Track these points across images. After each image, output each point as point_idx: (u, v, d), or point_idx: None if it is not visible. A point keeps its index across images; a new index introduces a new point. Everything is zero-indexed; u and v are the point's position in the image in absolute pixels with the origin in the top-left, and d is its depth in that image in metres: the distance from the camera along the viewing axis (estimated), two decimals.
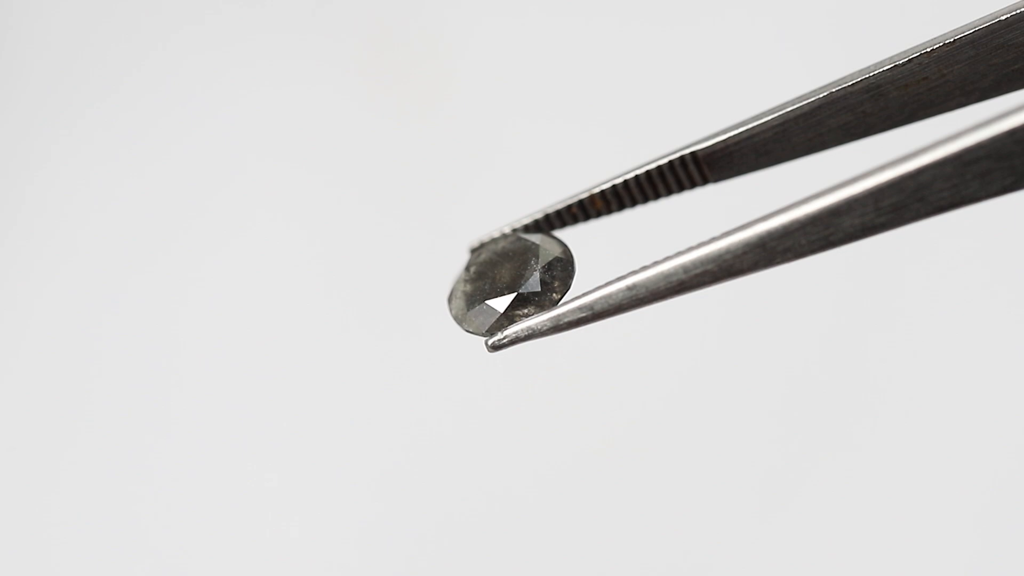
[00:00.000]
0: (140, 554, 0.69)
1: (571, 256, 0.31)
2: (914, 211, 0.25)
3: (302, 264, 0.73)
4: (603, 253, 0.33)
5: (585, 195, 0.32)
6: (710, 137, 0.32)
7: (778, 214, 0.26)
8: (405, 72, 0.76)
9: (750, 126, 0.31)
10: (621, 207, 0.32)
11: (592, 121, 0.73)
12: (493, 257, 0.31)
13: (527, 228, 0.33)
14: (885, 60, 0.30)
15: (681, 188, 0.32)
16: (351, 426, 0.70)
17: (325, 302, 0.72)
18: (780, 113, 0.31)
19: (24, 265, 0.75)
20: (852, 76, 0.31)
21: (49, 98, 0.77)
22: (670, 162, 0.31)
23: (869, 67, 0.31)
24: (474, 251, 0.32)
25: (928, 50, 0.30)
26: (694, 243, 0.27)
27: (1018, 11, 0.29)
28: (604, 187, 0.32)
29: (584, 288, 0.29)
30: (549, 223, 0.32)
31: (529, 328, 0.29)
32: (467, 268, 0.32)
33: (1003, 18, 0.30)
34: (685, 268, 0.27)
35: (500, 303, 0.30)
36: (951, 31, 0.30)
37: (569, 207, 0.32)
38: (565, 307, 0.29)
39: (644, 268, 0.28)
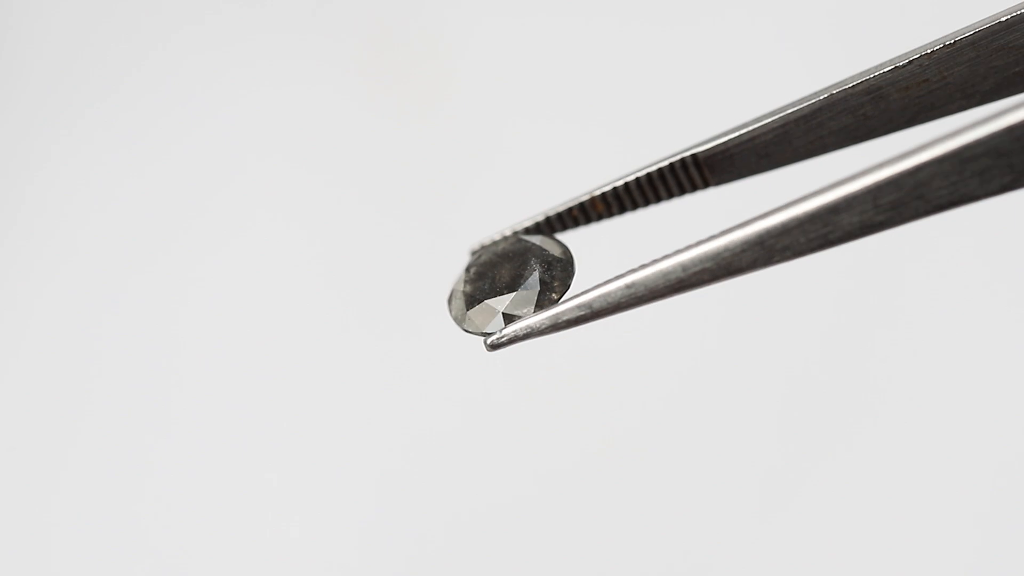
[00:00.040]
0: (140, 554, 0.69)
1: (571, 257, 0.31)
2: (913, 209, 0.25)
3: (302, 264, 0.73)
4: (604, 256, 0.33)
5: (586, 198, 0.32)
6: (711, 139, 0.32)
7: (777, 212, 0.26)
8: (405, 72, 0.76)
9: (750, 128, 0.31)
10: (622, 210, 0.32)
11: (592, 121, 0.73)
12: (493, 258, 0.32)
13: (528, 230, 0.33)
14: (885, 62, 0.30)
15: (682, 191, 0.32)
16: (351, 426, 0.70)
17: (325, 302, 0.72)
18: (780, 115, 0.31)
19: (24, 265, 0.75)
20: (852, 78, 0.31)
21: (49, 98, 0.77)
22: (671, 164, 0.31)
23: (869, 69, 0.31)
24: (474, 253, 0.32)
25: (928, 52, 0.30)
26: (693, 242, 0.27)
27: (1017, 12, 0.29)
28: (605, 189, 0.32)
29: (583, 288, 0.29)
30: (550, 226, 0.33)
31: (528, 327, 0.29)
32: (467, 269, 0.32)
33: (1003, 19, 0.30)
34: (684, 266, 0.27)
35: (499, 303, 0.31)
36: (951, 33, 0.30)
37: (570, 210, 0.32)
38: (564, 306, 0.29)
39: (643, 266, 0.28)
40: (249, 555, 0.69)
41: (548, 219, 0.32)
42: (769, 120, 0.31)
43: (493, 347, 0.30)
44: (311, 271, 0.73)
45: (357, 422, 0.70)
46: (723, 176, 0.31)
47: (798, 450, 0.67)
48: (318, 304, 0.72)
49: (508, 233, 0.32)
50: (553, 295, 0.30)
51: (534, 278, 0.31)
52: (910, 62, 0.30)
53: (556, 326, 0.29)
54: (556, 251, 0.31)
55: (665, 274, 0.27)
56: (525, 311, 0.30)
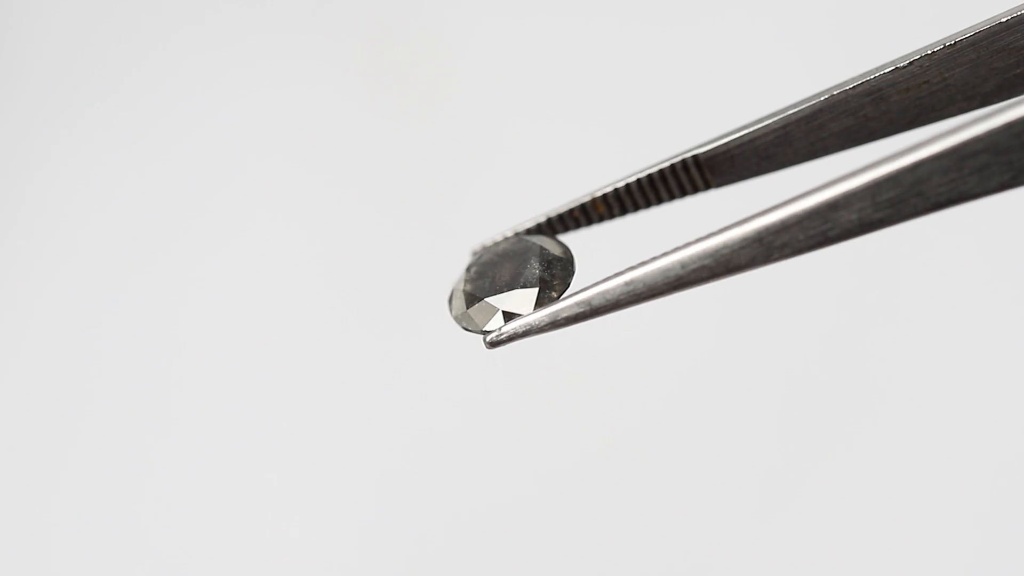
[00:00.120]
0: (140, 554, 0.69)
1: (571, 256, 0.31)
2: (912, 206, 0.25)
3: (302, 264, 0.73)
4: (605, 257, 0.33)
5: (587, 199, 0.32)
6: (711, 140, 0.32)
7: (775, 209, 0.26)
8: (405, 72, 0.76)
9: (751, 129, 0.31)
10: (623, 211, 0.32)
11: (592, 121, 0.73)
12: (494, 258, 0.32)
13: (529, 231, 0.33)
14: (886, 63, 0.30)
15: (683, 193, 0.32)
16: (351, 426, 0.70)
17: (325, 302, 0.72)
18: (781, 116, 0.31)
19: (24, 265, 0.75)
20: (853, 79, 0.31)
21: (49, 98, 0.77)
22: (672, 166, 0.31)
23: (870, 70, 0.31)
24: (475, 253, 0.32)
25: (929, 52, 0.30)
26: (692, 239, 0.27)
27: (1018, 13, 0.29)
28: (606, 191, 0.32)
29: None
30: (551, 227, 0.33)
31: (527, 324, 0.29)
32: (467, 269, 0.32)
33: (1003, 20, 0.30)
34: (683, 263, 0.27)
35: (499, 301, 0.31)
36: (952, 34, 0.30)
37: (571, 211, 0.32)
38: (562, 303, 0.29)
39: (642, 264, 0.28)
40: (249, 555, 0.69)
41: (549, 220, 0.32)
42: (770, 121, 0.31)
43: (492, 345, 0.30)
44: (311, 271, 0.73)
45: (357, 422, 0.70)
46: (724, 177, 0.31)
47: (798, 450, 0.67)
48: (318, 304, 0.72)
49: (509, 234, 0.33)
50: (553, 293, 0.30)
51: (534, 276, 0.31)
52: (910, 63, 0.30)
53: (555, 323, 0.29)
54: (556, 250, 0.31)
55: (664, 271, 0.27)
56: (525, 309, 0.30)
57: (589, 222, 0.32)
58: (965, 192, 0.25)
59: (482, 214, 0.72)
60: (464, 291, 0.31)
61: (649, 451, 0.68)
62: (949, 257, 0.68)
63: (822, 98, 0.31)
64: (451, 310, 0.31)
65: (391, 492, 0.69)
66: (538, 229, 0.33)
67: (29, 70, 0.78)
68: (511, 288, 0.31)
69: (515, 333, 0.29)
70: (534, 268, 0.31)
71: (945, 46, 0.30)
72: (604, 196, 0.32)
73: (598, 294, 0.28)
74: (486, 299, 0.31)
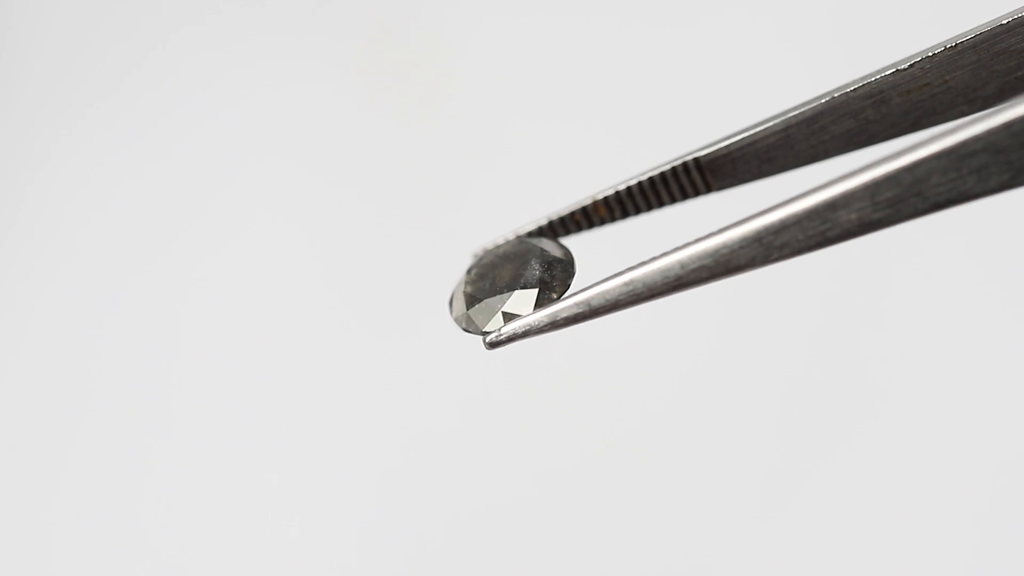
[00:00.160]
0: (140, 554, 0.69)
1: (571, 257, 0.31)
2: (912, 207, 0.25)
3: (302, 264, 0.73)
4: (607, 261, 0.33)
5: (588, 202, 0.32)
6: (713, 143, 0.32)
7: (775, 209, 0.26)
8: (405, 72, 0.76)
9: (753, 131, 0.31)
10: (624, 215, 0.32)
11: (592, 121, 0.73)
12: (494, 260, 0.32)
13: (530, 234, 0.33)
14: (887, 66, 0.30)
15: (684, 196, 0.32)
16: (351, 426, 0.70)
17: (325, 302, 0.72)
18: (783, 118, 0.31)
19: (24, 265, 0.75)
20: (854, 82, 0.31)
21: (49, 98, 0.77)
22: (673, 168, 0.31)
23: (871, 72, 0.31)
24: (476, 256, 0.32)
25: (930, 54, 0.30)
26: (691, 239, 0.27)
27: (1018, 15, 0.29)
28: (607, 194, 0.32)
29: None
30: (552, 230, 0.33)
31: (527, 324, 0.29)
32: (468, 271, 0.32)
33: (1004, 22, 0.30)
34: (682, 264, 0.27)
35: (499, 301, 0.31)
36: (953, 36, 0.30)
37: (572, 214, 0.32)
38: (562, 303, 0.29)
39: (641, 264, 0.28)
40: (249, 555, 0.69)
41: (551, 223, 0.32)
42: (771, 123, 0.31)
43: (492, 345, 0.30)
44: (311, 271, 0.73)
45: (357, 422, 0.70)
46: (725, 180, 0.31)
47: (798, 450, 0.67)
48: (318, 304, 0.72)
49: (511, 237, 0.33)
50: (553, 295, 0.30)
51: (534, 278, 0.31)
52: (911, 65, 0.30)
53: (555, 324, 0.29)
54: (557, 252, 0.31)
55: (664, 271, 0.27)
56: (525, 310, 0.30)
57: (590, 225, 0.32)
58: (964, 192, 0.25)
59: (482, 214, 0.72)
60: (464, 292, 0.31)
61: (649, 451, 0.68)
62: (949, 258, 0.68)
63: (823, 100, 0.31)
64: (451, 311, 0.31)
65: (391, 492, 0.69)
66: (539, 232, 0.33)
67: (29, 70, 0.78)
68: (511, 289, 0.31)
69: (515, 334, 0.29)
70: (534, 269, 0.31)
71: (946, 48, 0.30)
72: (605, 199, 0.32)
73: (598, 294, 0.28)
74: (486, 300, 0.31)
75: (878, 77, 0.30)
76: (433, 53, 0.76)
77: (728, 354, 0.69)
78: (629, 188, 0.32)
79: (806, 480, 0.66)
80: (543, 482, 0.68)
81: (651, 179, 0.32)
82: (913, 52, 0.31)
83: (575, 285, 0.30)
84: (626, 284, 0.28)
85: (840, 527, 0.65)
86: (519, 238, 0.32)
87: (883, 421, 0.67)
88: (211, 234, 0.74)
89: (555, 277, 0.31)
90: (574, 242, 0.32)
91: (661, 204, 0.32)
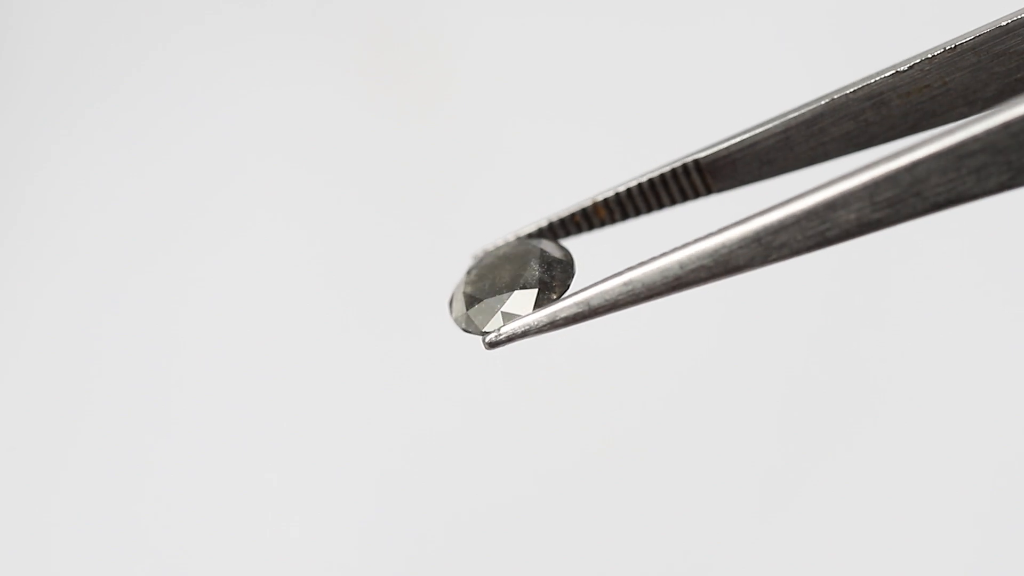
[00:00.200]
0: (140, 554, 0.69)
1: (571, 258, 0.31)
2: (911, 207, 0.25)
3: (302, 264, 0.73)
4: (607, 262, 0.33)
5: (588, 203, 0.32)
6: (713, 145, 0.31)
7: (774, 209, 0.26)
8: (405, 72, 0.76)
9: (753, 133, 0.31)
10: (624, 216, 0.32)
11: (592, 121, 0.73)
12: (494, 261, 0.32)
13: (530, 236, 0.33)
14: (887, 67, 0.30)
15: (684, 198, 0.32)
16: (351, 426, 0.70)
17: (325, 302, 0.72)
18: (782, 120, 0.31)
19: (24, 265, 0.75)
20: (853, 83, 0.31)
21: (49, 98, 0.77)
22: (673, 170, 0.31)
23: (871, 74, 0.31)
24: (476, 258, 0.33)
25: (929, 56, 0.30)
26: (691, 239, 0.27)
27: (1018, 17, 0.29)
28: (607, 195, 0.32)
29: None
30: (552, 231, 0.33)
31: (526, 324, 0.29)
32: (468, 272, 0.32)
33: (1003, 24, 0.30)
34: (681, 264, 0.27)
35: (498, 302, 0.31)
36: (952, 38, 0.30)
37: (572, 215, 0.32)
38: (561, 303, 0.29)
39: (641, 264, 0.28)
40: (249, 555, 0.69)
41: (551, 225, 0.33)
42: (771, 125, 0.31)
43: (491, 345, 0.30)
44: (311, 271, 0.73)
45: (357, 422, 0.70)
46: (725, 183, 0.31)
47: (798, 450, 0.67)
48: (318, 304, 0.72)
49: (511, 238, 0.33)
50: (553, 295, 0.30)
51: (533, 278, 0.31)
52: (911, 67, 0.30)
53: (554, 324, 0.29)
54: (556, 253, 0.31)
55: (663, 271, 0.27)
56: (524, 311, 0.30)
57: (590, 227, 0.32)
58: (964, 193, 0.25)
59: (482, 214, 0.72)
60: (464, 293, 0.31)
61: (649, 451, 0.68)
62: (948, 258, 0.68)
63: (822, 102, 0.31)
64: (451, 312, 0.31)
65: (391, 492, 0.69)
66: (539, 233, 0.33)
67: (29, 70, 0.78)
68: (511, 290, 0.31)
69: (514, 334, 0.29)
70: (534, 270, 0.31)
71: (945, 50, 0.30)
72: (605, 200, 0.32)
73: (597, 294, 0.28)
74: (486, 300, 0.31)
75: (877, 79, 0.30)
76: (433, 53, 0.76)
77: (728, 354, 0.69)
78: (629, 190, 0.32)
79: (806, 480, 0.66)
80: (543, 482, 0.68)
81: (651, 180, 0.32)
82: (912, 53, 0.31)
83: (575, 286, 0.30)
84: (625, 284, 0.28)
85: (840, 527, 0.65)
86: (519, 239, 0.32)
87: (883, 421, 0.67)
88: (211, 234, 0.74)
89: (555, 277, 0.31)
90: (574, 244, 0.32)
91: (661, 206, 0.32)
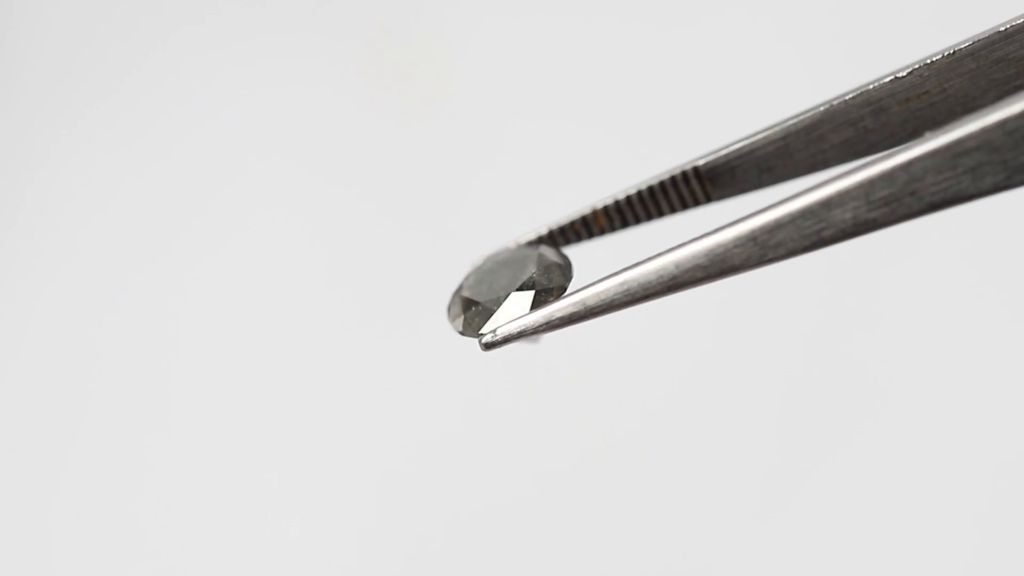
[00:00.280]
0: (140, 554, 0.69)
1: (569, 263, 0.31)
2: (907, 206, 0.25)
3: (302, 264, 0.73)
4: (607, 270, 0.33)
5: (588, 211, 0.32)
6: (712, 152, 0.32)
7: (770, 208, 0.26)
8: (405, 72, 0.76)
9: (751, 140, 0.31)
10: (624, 224, 0.32)
11: (592, 121, 0.73)
12: (493, 266, 0.32)
13: (530, 243, 0.33)
14: (885, 74, 0.30)
15: (684, 206, 0.32)
16: (351, 426, 0.70)
17: (325, 302, 0.72)
18: (781, 127, 0.31)
19: (24, 265, 0.75)
20: (852, 90, 0.31)
21: (49, 98, 0.77)
22: (672, 177, 0.31)
23: (869, 81, 0.31)
24: (475, 264, 0.33)
25: (928, 62, 0.30)
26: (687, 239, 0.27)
27: (1016, 23, 0.29)
28: (607, 203, 0.32)
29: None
30: (552, 239, 0.33)
31: (522, 325, 0.29)
32: (467, 277, 0.32)
33: (1001, 29, 0.30)
34: (677, 264, 0.27)
35: (495, 303, 0.31)
36: (951, 44, 0.30)
37: (572, 223, 0.32)
38: (557, 304, 0.29)
39: (637, 264, 0.28)
40: (249, 555, 0.69)
41: (551, 232, 0.33)
42: (770, 132, 0.31)
43: (488, 346, 0.30)
44: (311, 271, 0.73)
45: (357, 422, 0.70)
46: (724, 190, 0.32)
47: (798, 450, 0.67)
48: (318, 304, 0.72)
49: (511, 246, 0.33)
50: (550, 298, 0.30)
51: (531, 281, 0.31)
52: (910, 73, 0.30)
53: (550, 324, 0.29)
54: (554, 257, 0.31)
55: (659, 271, 0.27)
56: (521, 313, 0.30)
57: (590, 235, 0.32)
58: (960, 193, 0.25)
59: (482, 214, 0.72)
60: (462, 297, 0.31)
61: (649, 451, 0.68)
62: (945, 260, 0.68)
63: (821, 109, 0.31)
64: (449, 317, 0.32)
65: (391, 492, 0.69)
66: (539, 241, 0.33)
67: (29, 70, 0.78)
68: (507, 292, 0.31)
69: (510, 335, 0.29)
70: (531, 273, 0.31)
71: (944, 55, 0.30)
72: (605, 208, 0.32)
73: (593, 295, 0.28)
74: (483, 303, 0.31)
75: (876, 85, 0.30)
76: (433, 53, 0.76)
77: (728, 354, 0.69)
78: (628, 197, 0.32)
79: (806, 480, 0.66)
80: (543, 482, 0.68)
81: (651, 188, 0.32)
82: (911, 55, 0.31)
83: (572, 289, 0.30)
84: (621, 284, 0.28)
85: (840, 527, 0.65)
86: (518, 247, 0.32)
87: (882, 421, 0.67)
88: (211, 234, 0.74)
89: (552, 281, 0.31)
90: (574, 252, 0.32)
91: (661, 214, 0.32)
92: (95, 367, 0.73)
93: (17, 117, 0.77)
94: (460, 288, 0.32)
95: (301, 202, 0.74)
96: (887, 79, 0.30)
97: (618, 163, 0.70)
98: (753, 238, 0.26)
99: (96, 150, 0.76)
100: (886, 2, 0.72)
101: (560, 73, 0.74)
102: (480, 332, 0.30)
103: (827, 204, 0.25)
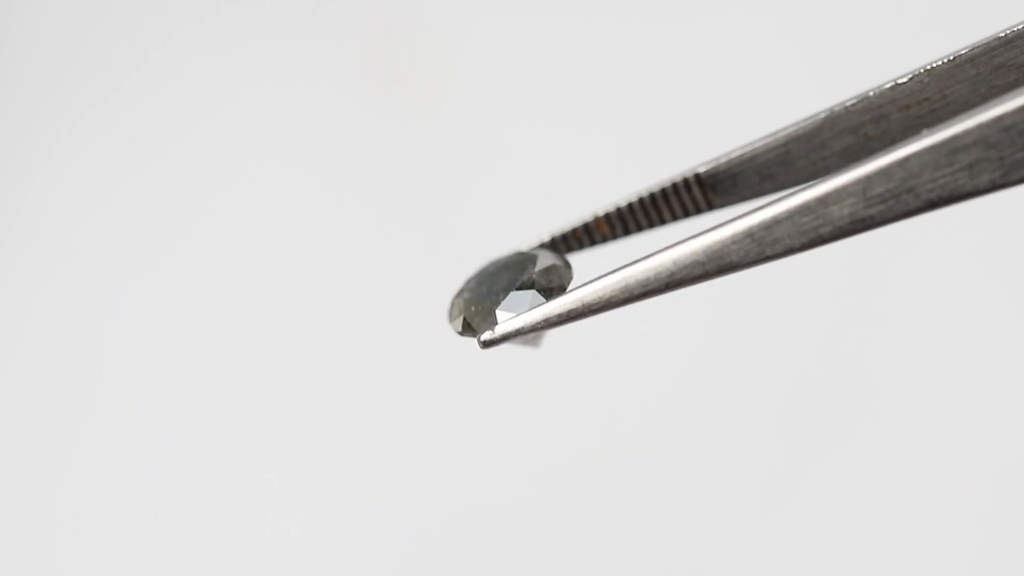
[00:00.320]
0: (140, 554, 0.69)
1: (568, 264, 0.31)
2: (904, 203, 0.25)
3: (302, 264, 0.73)
4: None
5: (590, 219, 0.32)
6: (713, 159, 0.32)
7: (767, 205, 0.26)
8: (405, 72, 0.76)
9: (752, 147, 0.31)
10: (626, 232, 0.32)
11: (592, 121, 0.73)
12: (494, 269, 0.32)
13: (531, 248, 0.33)
14: (886, 80, 0.30)
15: (686, 214, 0.32)
16: (351, 426, 0.70)
17: (325, 302, 0.72)
18: (783, 133, 0.31)
19: (24, 265, 0.75)
20: (853, 97, 0.31)
21: (49, 98, 0.77)
22: (673, 184, 0.32)
23: (870, 87, 0.31)
24: (477, 268, 0.33)
25: (929, 68, 0.30)
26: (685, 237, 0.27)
27: (1016, 28, 0.29)
28: (609, 210, 0.32)
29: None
30: (554, 246, 0.33)
31: (520, 323, 0.29)
32: (468, 280, 0.32)
33: (1002, 35, 0.30)
34: (675, 261, 0.27)
35: (494, 304, 0.31)
36: (953, 50, 0.30)
37: (574, 231, 0.32)
38: (555, 301, 0.29)
39: (635, 261, 0.28)
40: (249, 555, 0.69)
41: (552, 239, 0.33)
42: (771, 139, 0.31)
43: (486, 344, 0.30)
44: (311, 271, 0.73)
45: (357, 422, 0.70)
46: (725, 197, 0.32)
47: (798, 450, 0.67)
48: (318, 304, 0.72)
49: (512, 252, 0.33)
50: (549, 299, 0.30)
51: (530, 281, 0.31)
52: (910, 79, 0.30)
53: (548, 322, 0.29)
54: (554, 258, 0.31)
55: (657, 268, 0.27)
56: (520, 313, 0.30)
57: (592, 242, 0.33)
58: (957, 190, 0.25)
59: (482, 214, 0.72)
60: (462, 298, 0.32)
61: (649, 451, 0.68)
62: (946, 258, 0.68)
63: (821, 115, 0.31)
64: (449, 318, 0.32)
65: (391, 492, 0.69)
66: (541, 248, 0.33)
67: (29, 70, 0.78)
68: (507, 292, 0.31)
69: (508, 332, 0.29)
70: (531, 274, 0.31)
71: (945, 61, 0.30)
72: (607, 215, 0.32)
73: (591, 292, 0.28)
74: (482, 303, 0.31)
75: (877, 91, 0.30)
76: (433, 53, 0.76)
77: (728, 354, 0.69)
78: (630, 204, 0.32)
79: (806, 480, 0.66)
80: (543, 482, 0.68)
81: (652, 195, 0.32)
82: (912, 62, 0.31)
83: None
84: (619, 281, 0.28)
85: (840, 527, 0.65)
86: (519, 252, 0.33)
87: (883, 421, 0.67)
88: (211, 234, 0.74)
89: (552, 281, 0.31)
90: (576, 259, 0.32)
91: (663, 222, 0.32)
92: (95, 367, 0.73)
93: (17, 117, 0.77)
94: (460, 291, 0.32)
95: (301, 202, 0.74)
96: (888, 85, 0.30)
97: (618, 163, 0.70)
98: (750, 235, 0.26)
99: (96, 150, 0.76)
100: (887, 7, 0.72)
101: (560, 74, 0.74)
102: (479, 331, 0.30)
103: (824, 200, 0.26)
